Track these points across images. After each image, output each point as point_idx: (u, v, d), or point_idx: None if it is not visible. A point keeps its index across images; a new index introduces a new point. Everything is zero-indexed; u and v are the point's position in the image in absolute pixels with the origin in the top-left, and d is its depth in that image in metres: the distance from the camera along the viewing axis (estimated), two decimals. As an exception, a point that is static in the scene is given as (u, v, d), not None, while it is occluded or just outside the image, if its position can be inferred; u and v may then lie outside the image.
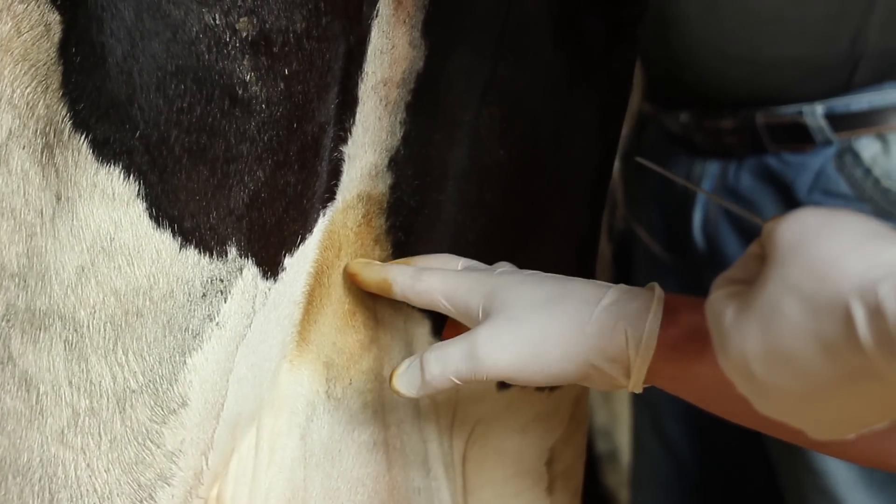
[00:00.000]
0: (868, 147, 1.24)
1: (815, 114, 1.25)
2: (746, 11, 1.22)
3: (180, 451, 0.73)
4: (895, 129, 1.23)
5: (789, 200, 1.27)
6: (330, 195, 0.75)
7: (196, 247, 0.69)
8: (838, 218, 0.58)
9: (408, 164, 0.75)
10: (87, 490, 0.72)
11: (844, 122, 1.25)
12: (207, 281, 0.70)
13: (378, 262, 0.78)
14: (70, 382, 0.71)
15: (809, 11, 1.20)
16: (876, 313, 0.53)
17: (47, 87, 0.66)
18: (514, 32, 0.76)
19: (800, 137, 1.26)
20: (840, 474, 1.28)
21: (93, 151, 0.66)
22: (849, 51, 1.21)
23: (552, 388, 0.89)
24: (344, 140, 0.73)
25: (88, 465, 0.72)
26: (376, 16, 0.71)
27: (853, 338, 0.54)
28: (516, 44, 0.77)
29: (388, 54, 0.72)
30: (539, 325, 0.72)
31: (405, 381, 0.75)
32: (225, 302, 0.71)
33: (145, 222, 0.67)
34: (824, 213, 0.59)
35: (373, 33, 0.71)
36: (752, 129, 1.27)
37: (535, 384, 0.79)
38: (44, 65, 0.66)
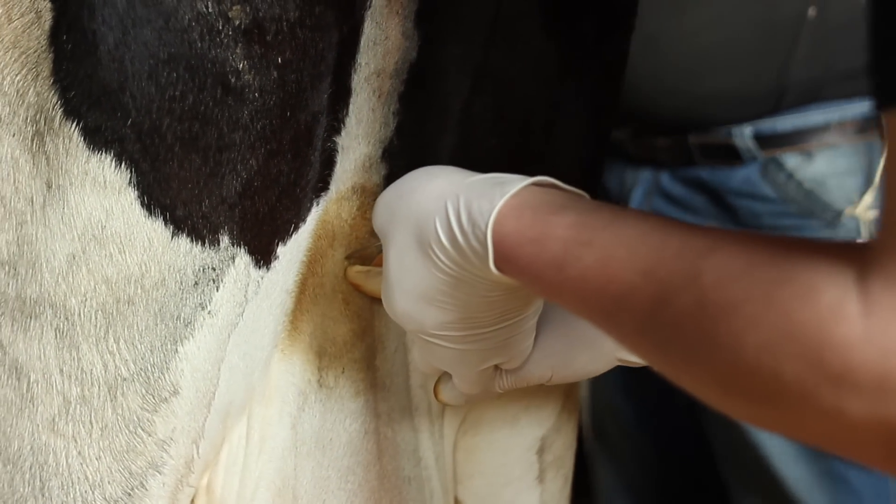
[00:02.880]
0: (791, 159, 1.36)
1: (744, 135, 1.36)
2: (683, 48, 1.32)
3: (171, 439, 0.73)
4: (818, 146, 1.36)
5: (720, 204, 1.38)
6: (323, 185, 0.75)
7: (188, 235, 0.68)
8: (403, 180, 0.71)
9: (402, 155, 0.75)
10: (79, 478, 0.72)
11: (770, 142, 1.37)
12: (199, 269, 0.70)
13: (378, 270, 0.78)
14: (61, 370, 0.71)
15: (740, 48, 1.31)
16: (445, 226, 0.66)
17: (38, 75, 0.65)
18: (507, 22, 0.76)
19: (729, 155, 1.38)
20: (775, 447, 1.36)
21: (84, 139, 0.65)
22: (776, 81, 1.33)
23: (543, 379, 0.89)
24: (337, 131, 0.73)
25: (80, 453, 0.72)
26: (369, 6, 0.70)
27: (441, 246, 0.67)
28: (508, 33, 0.77)
29: (382, 45, 0.72)
30: (562, 336, 0.77)
31: (449, 396, 0.81)
32: (217, 290, 0.71)
33: (137, 210, 0.67)
34: (395, 185, 0.72)
35: (366, 24, 0.71)
36: (684, 147, 1.39)
37: (568, 382, 0.82)
38: (34, 52, 0.65)
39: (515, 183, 0.65)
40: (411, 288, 0.70)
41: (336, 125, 0.73)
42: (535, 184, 0.66)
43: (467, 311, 0.70)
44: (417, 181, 0.70)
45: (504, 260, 0.64)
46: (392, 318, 0.74)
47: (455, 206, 0.66)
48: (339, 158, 0.74)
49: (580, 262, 0.58)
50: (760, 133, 1.36)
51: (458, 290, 0.68)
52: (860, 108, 1.38)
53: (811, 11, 1.32)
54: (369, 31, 0.71)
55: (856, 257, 0.46)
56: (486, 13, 0.75)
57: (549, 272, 0.60)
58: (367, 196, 0.77)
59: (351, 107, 0.73)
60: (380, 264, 0.77)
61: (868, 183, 1.36)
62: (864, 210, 1.33)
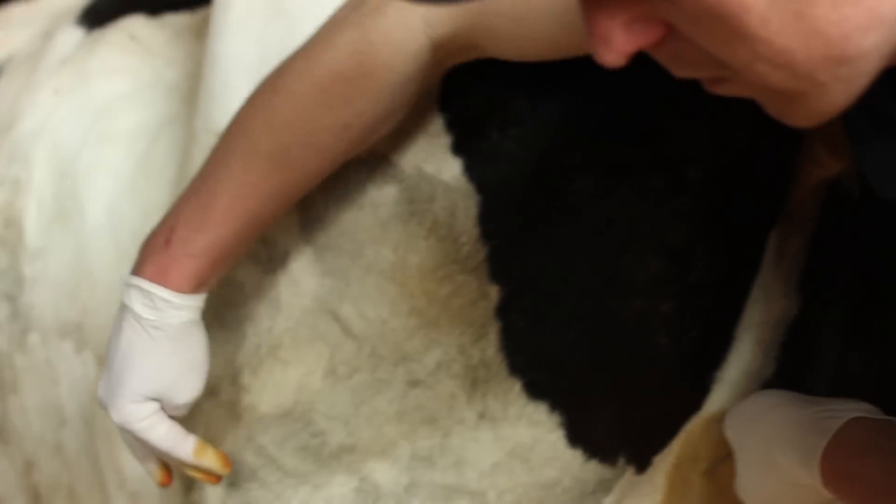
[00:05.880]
0: None
1: None
2: None
3: None
4: None
5: None
6: (696, 409, 0.86)
7: (597, 459, 0.82)
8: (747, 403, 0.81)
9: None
10: None
11: None
12: (598, 482, 0.84)
13: None
14: None
15: None
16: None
17: (481, 337, 0.80)
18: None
19: None
20: None
21: (524, 391, 0.80)
22: None
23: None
24: (716, 367, 0.85)
25: None
26: (757, 276, 0.82)
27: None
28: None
29: (764, 303, 0.83)
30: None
31: None
32: (606, 496, 0.85)
33: (563, 442, 0.81)
34: (742, 406, 0.81)
35: (754, 290, 0.82)
36: None
37: None
38: (479, 321, 0.80)
39: (836, 421, 0.76)
40: (760, 488, 0.82)
41: (716, 362, 0.85)
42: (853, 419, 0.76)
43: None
44: (757, 409, 0.82)
45: (831, 485, 0.75)
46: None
47: (789, 441, 0.77)
48: (715, 388, 0.86)
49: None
50: None
51: (794, 493, 0.80)
52: None
53: None
54: (755, 293, 0.83)
55: None
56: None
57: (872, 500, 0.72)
58: None
59: (732, 351, 0.84)
60: None
61: None
62: None
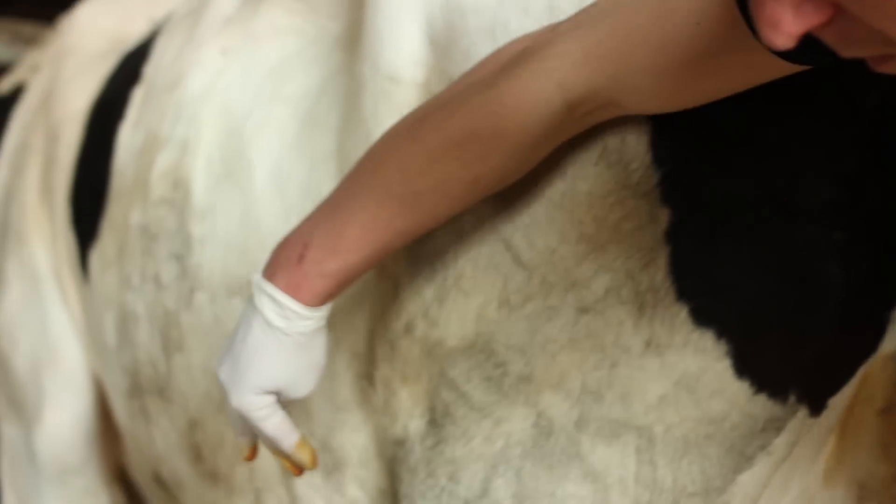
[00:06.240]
0: None
1: None
2: None
3: None
4: None
5: None
6: (873, 350, 0.85)
7: (766, 393, 0.82)
8: None
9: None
10: None
11: None
12: (768, 419, 0.83)
13: None
14: (636, 480, 0.86)
15: None
16: None
17: (649, 263, 0.81)
18: None
19: None
20: None
21: (691, 317, 0.81)
22: None
23: None
24: (890, 306, 0.84)
25: None
26: None
27: None
28: None
29: None
30: None
31: None
32: (777, 436, 0.84)
33: (729, 373, 0.82)
34: None
35: None
36: None
37: None
38: (648, 245, 0.81)
39: None
40: None
41: (891, 300, 0.83)
42: None
43: None
44: None
45: None
46: None
47: None
48: (891, 328, 0.85)
49: None
50: None
51: None
52: None
53: None
54: None
55: None
56: None
57: None
58: None
59: None
60: None
61: None
62: None
